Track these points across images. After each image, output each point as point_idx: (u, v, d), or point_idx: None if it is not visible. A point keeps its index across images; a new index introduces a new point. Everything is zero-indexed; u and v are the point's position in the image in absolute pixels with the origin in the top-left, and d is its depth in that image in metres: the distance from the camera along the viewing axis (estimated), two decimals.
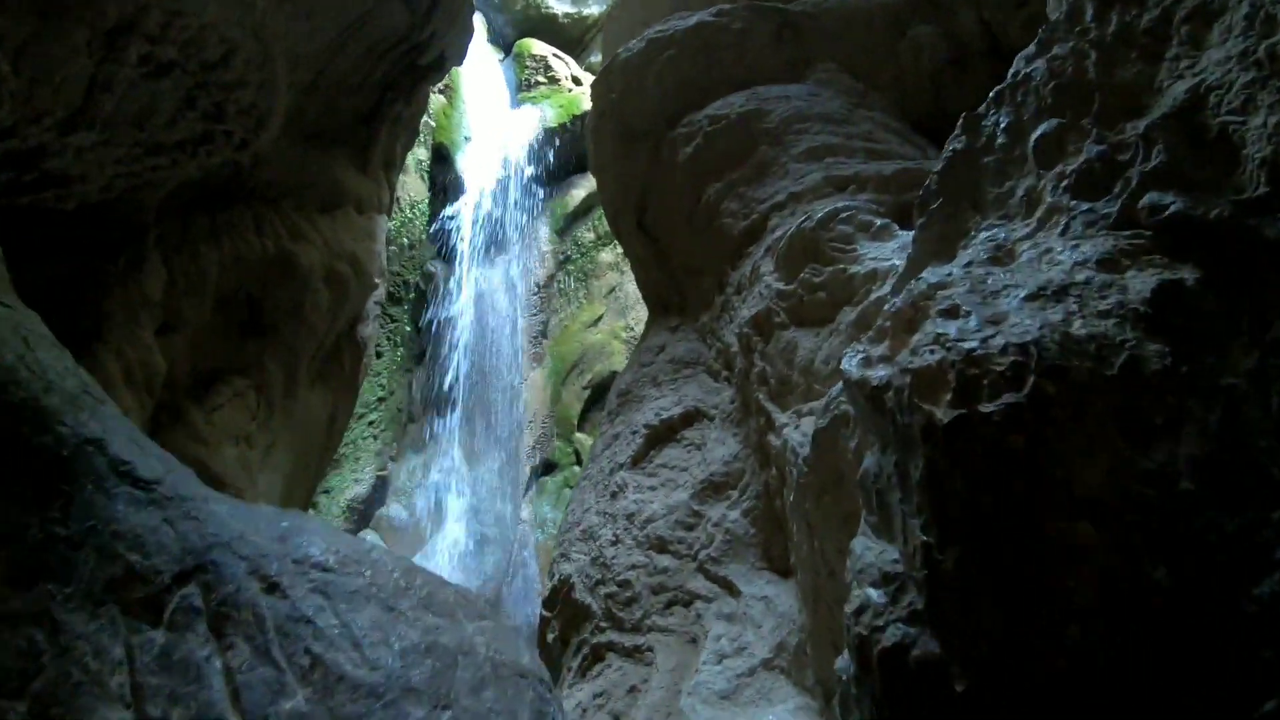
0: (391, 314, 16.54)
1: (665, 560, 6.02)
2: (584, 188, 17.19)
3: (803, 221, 5.54)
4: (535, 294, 17.07)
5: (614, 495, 6.87)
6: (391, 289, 16.40)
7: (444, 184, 16.96)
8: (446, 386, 16.34)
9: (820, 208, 5.62)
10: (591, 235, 17.43)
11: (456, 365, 16.42)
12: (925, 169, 6.29)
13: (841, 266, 5.14)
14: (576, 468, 16.40)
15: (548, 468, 16.60)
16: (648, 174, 8.23)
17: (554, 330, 17.11)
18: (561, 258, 17.45)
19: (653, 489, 6.57)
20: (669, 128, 8.14)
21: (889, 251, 5.00)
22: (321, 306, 8.26)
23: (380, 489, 15.98)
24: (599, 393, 16.76)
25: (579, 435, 16.59)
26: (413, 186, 16.48)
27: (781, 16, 8.57)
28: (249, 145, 6.55)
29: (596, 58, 18.44)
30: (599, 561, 6.50)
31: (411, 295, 16.66)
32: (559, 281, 17.33)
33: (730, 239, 6.91)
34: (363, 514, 15.70)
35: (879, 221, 5.37)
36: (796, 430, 4.99)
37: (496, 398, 16.57)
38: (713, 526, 5.89)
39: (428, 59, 9.15)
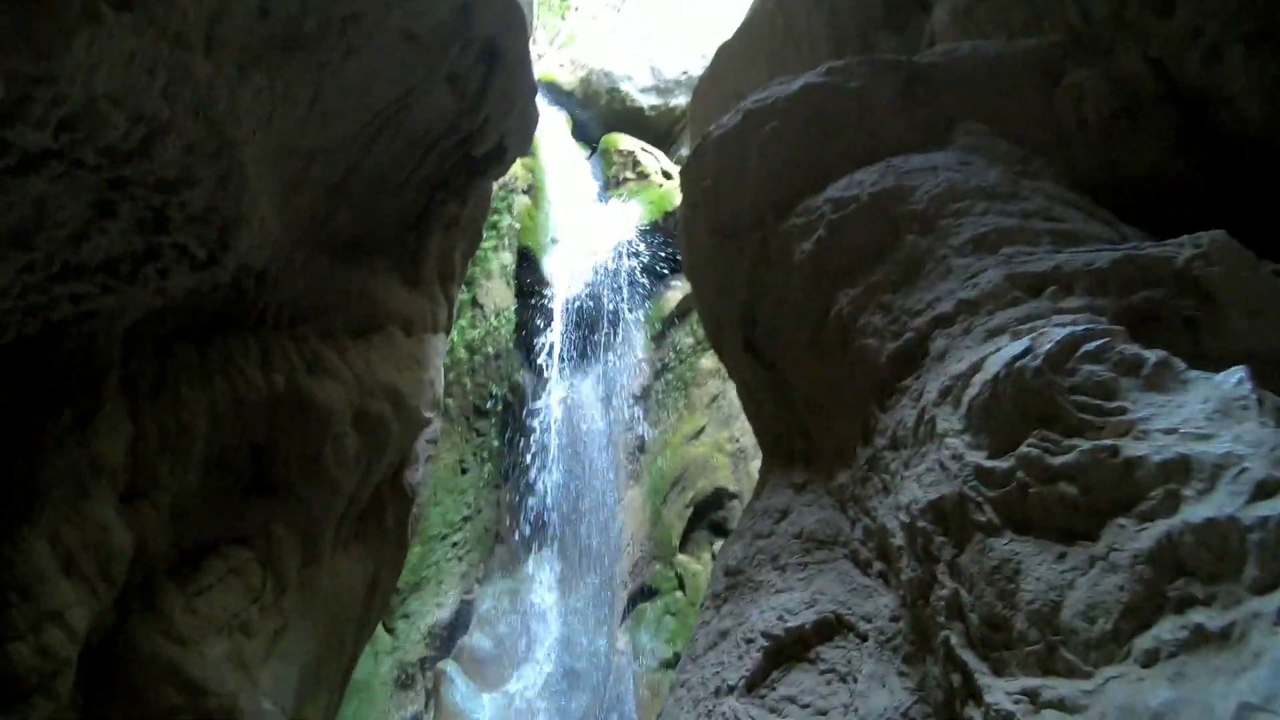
0: (478, 428, 14.71)
1: None
2: (680, 289, 15.15)
3: (1018, 357, 3.26)
4: (631, 406, 15.01)
5: None
6: (477, 402, 14.60)
7: (531, 289, 15.12)
8: (537, 506, 14.41)
9: (1036, 334, 3.38)
10: (690, 340, 15.33)
11: (547, 483, 14.48)
12: (1155, 257, 4.04)
13: (1105, 445, 2.86)
14: (679, 593, 14.24)
15: (647, 594, 14.47)
16: (754, 277, 6.08)
17: (652, 444, 15.00)
18: (658, 365, 15.36)
19: None
20: (778, 218, 6.00)
21: (1192, 414, 2.76)
22: (348, 455, 6.23)
23: (464, 614, 14.02)
24: (702, 511, 14.64)
25: (681, 558, 14.43)
26: (498, 293, 14.67)
27: (907, 69, 6.42)
28: (219, 262, 4.61)
29: (686, 150, 16.60)
30: None
31: (499, 408, 14.77)
32: (656, 391, 15.25)
33: (874, 367, 4.68)
34: (445, 641, 13.74)
35: (1152, 354, 3.09)
36: None
37: (591, 518, 14.55)
38: None
39: (484, 149, 7.20)
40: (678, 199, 15.19)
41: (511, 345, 14.84)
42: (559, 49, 20.20)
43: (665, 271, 15.46)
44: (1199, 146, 5.63)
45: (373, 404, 6.35)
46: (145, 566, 5.14)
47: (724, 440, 14.71)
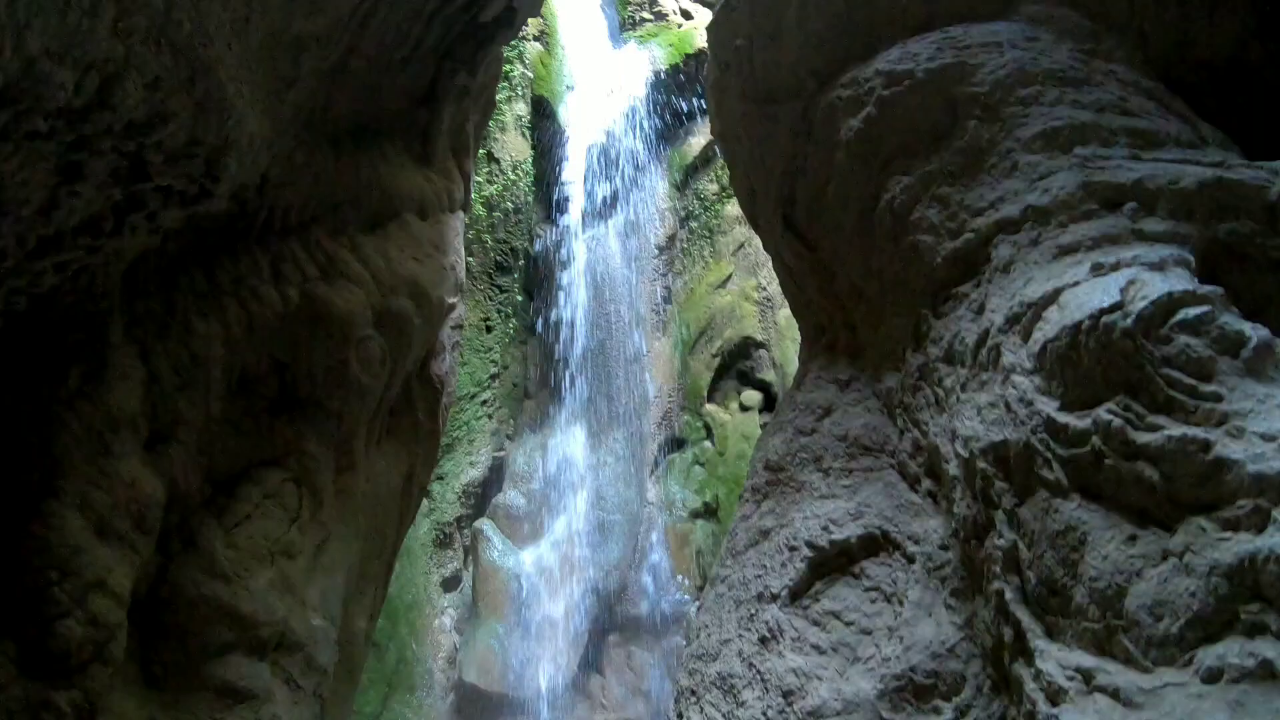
0: (500, 284, 14.43)
1: None
2: (703, 135, 14.44)
3: (1107, 311, 2.89)
4: (656, 256, 14.63)
5: (764, 641, 4.50)
6: (498, 258, 14.27)
7: (547, 139, 14.50)
8: (564, 360, 14.27)
9: (1124, 279, 2.97)
10: (714, 187, 14.77)
11: (573, 337, 14.29)
12: (1247, 185, 3.61)
13: (1196, 435, 2.55)
14: (707, 443, 14.26)
15: (676, 444, 14.52)
16: (794, 151, 5.62)
17: (678, 294, 14.69)
18: (682, 214, 14.87)
19: (820, 652, 4.16)
20: (822, 88, 5.49)
21: None
22: (373, 359, 5.95)
23: (497, 472, 14.12)
24: (730, 360, 14.49)
25: (709, 407, 14.38)
26: (513, 145, 14.08)
27: None
28: (211, 193, 4.22)
29: None
30: None
31: (521, 262, 14.45)
32: (681, 240, 14.83)
33: (929, 267, 4.31)
34: (479, 499, 13.91)
35: (1254, 334, 2.70)
36: (1085, 705, 2.54)
37: (618, 370, 14.41)
38: None
39: (491, 13, 6.57)
40: (698, 40, 14.43)
41: (530, 198, 14.36)
42: None
43: (686, 117, 14.78)
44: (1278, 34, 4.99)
45: (394, 302, 6.03)
46: (180, 507, 4.91)
47: (750, 289, 14.40)
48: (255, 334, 5.44)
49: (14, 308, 3.99)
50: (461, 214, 7.45)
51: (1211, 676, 2.33)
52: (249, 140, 4.25)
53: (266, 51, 4.74)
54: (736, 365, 14.57)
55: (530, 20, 14.37)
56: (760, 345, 14.38)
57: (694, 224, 14.83)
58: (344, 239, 5.95)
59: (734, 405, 14.39)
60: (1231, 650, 2.30)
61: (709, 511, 13.73)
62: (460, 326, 7.52)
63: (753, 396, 14.38)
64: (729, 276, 14.43)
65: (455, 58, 6.65)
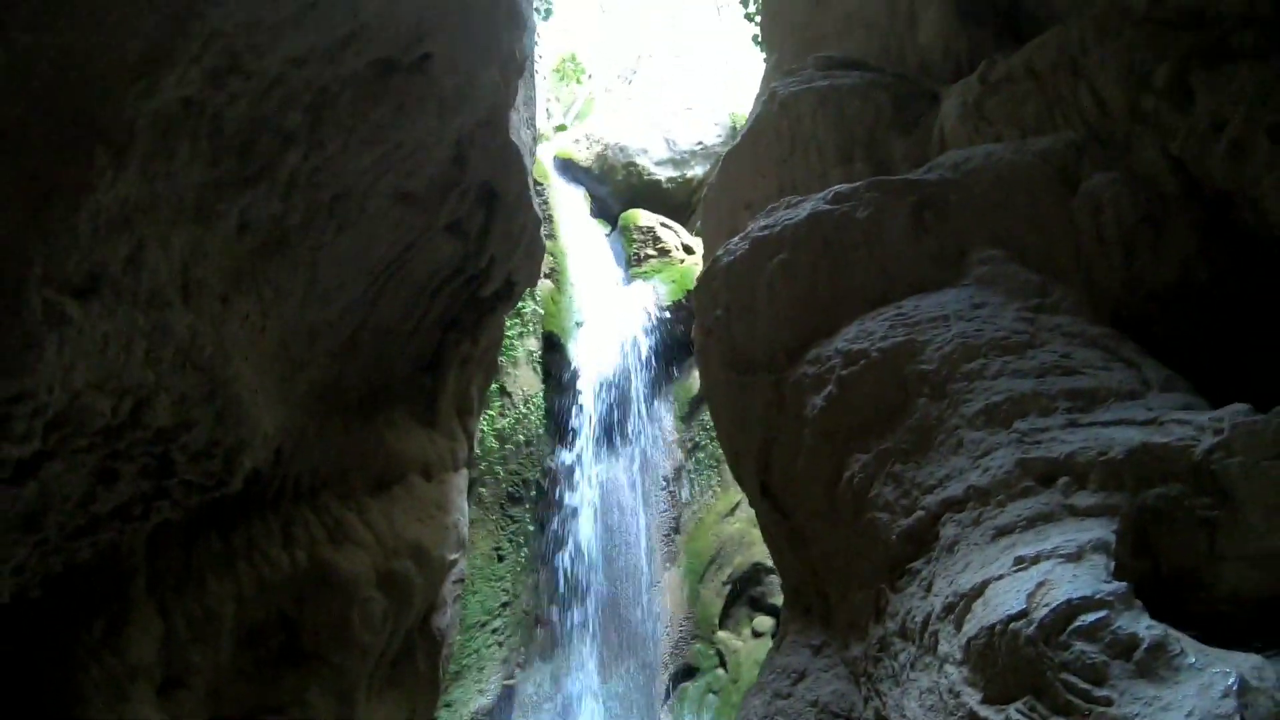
0: (512, 514, 14.77)
1: None
2: None
3: (1014, 618, 3.26)
4: (664, 486, 15.02)
5: None
6: (510, 489, 14.67)
7: (558, 373, 15.19)
8: (574, 589, 14.44)
9: (1034, 581, 3.36)
10: None
11: (584, 566, 14.51)
12: (1172, 448, 4.00)
13: None
14: (720, 671, 14.19)
15: (688, 673, 14.43)
16: (768, 421, 6.07)
17: (687, 524, 14.99)
18: (689, 445, 15.36)
19: None
20: (790, 361, 5.99)
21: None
22: (375, 618, 6.30)
23: (506, 701, 14.02)
24: (741, 587, 14.59)
25: (721, 635, 14.38)
26: (525, 379, 14.75)
27: (917, 192, 6.31)
28: (228, 483, 4.72)
29: None
30: None
31: (532, 493, 14.83)
32: (688, 470, 15.24)
33: (886, 543, 4.65)
34: None
35: (1147, 635, 3.01)
36: None
37: (629, 599, 14.54)
38: None
39: (491, 288, 7.29)
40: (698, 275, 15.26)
41: (542, 431, 14.90)
42: (574, 122, 20.38)
43: (691, 350, 15.50)
44: (1223, 251, 5.47)
45: (397, 563, 6.42)
46: None
47: None
48: (265, 592, 5.82)
49: (51, 571, 4.40)
50: (465, 471, 7.90)
51: None
52: (263, 437, 4.75)
53: (282, 345, 5.31)
54: (748, 591, 14.65)
55: None
56: (771, 570, 14.49)
57: (701, 454, 15.27)
58: (352, 502, 6.39)
59: (746, 631, 14.40)
60: None
61: None
62: (462, 580, 7.84)
63: (765, 622, 14.39)
64: (737, 504, 14.72)
65: (459, 328, 7.28)
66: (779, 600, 14.41)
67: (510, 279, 7.42)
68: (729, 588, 14.55)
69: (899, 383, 5.14)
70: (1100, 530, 3.76)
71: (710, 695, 14.15)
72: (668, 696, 14.33)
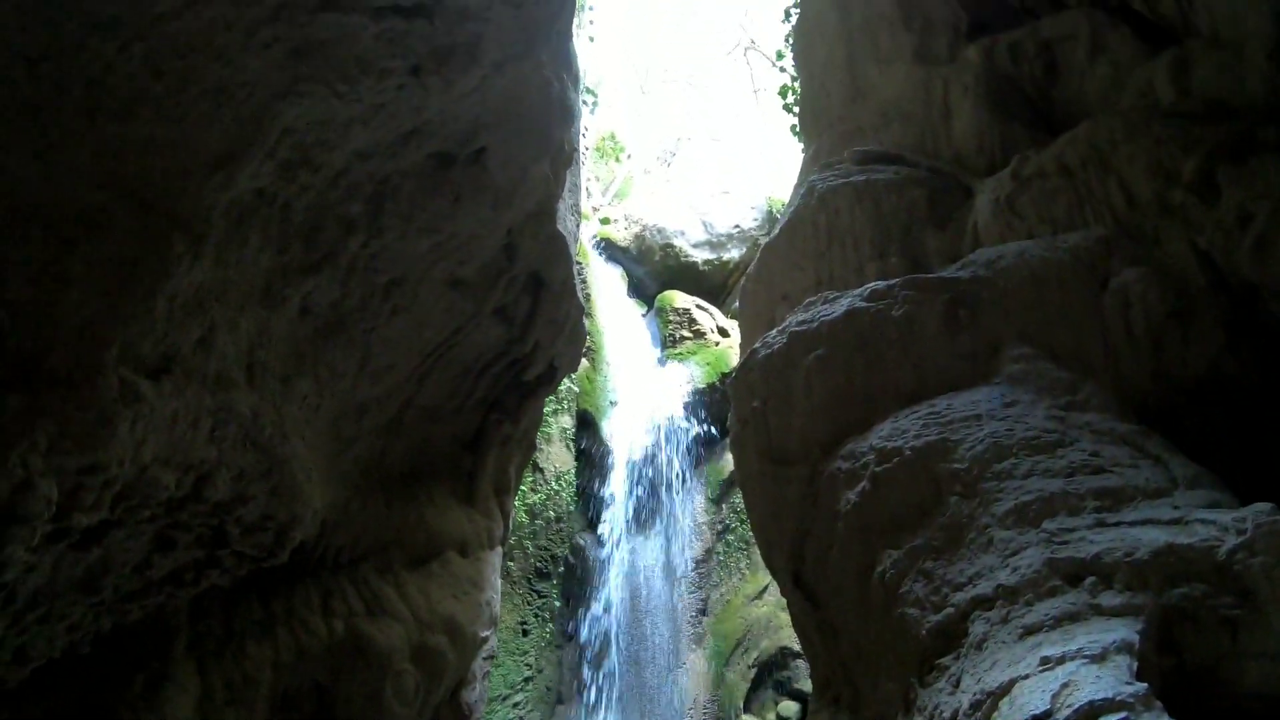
0: (539, 589, 14.83)
1: None
2: None
3: (1037, 717, 3.37)
4: (693, 568, 15.04)
5: None
6: (539, 564, 14.75)
7: (590, 451, 15.36)
8: (599, 667, 14.40)
9: (1059, 682, 3.46)
10: None
11: (609, 645, 14.48)
12: (1196, 549, 4.10)
13: None
14: None
15: None
16: (802, 515, 6.19)
17: (714, 607, 14.96)
18: (719, 528, 15.41)
19: None
20: (825, 455, 6.12)
21: None
22: (407, 691, 6.41)
23: None
24: (766, 670, 14.49)
25: (746, 718, 14.27)
26: (558, 456, 14.93)
27: (951, 290, 6.49)
28: (277, 555, 4.92)
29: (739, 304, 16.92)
30: None
31: (560, 570, 14.90)
32: (718, 553, 15.27)
33: (916, 639, 4.75)
34: None
35: None
36: None
37: (653, 680, 14.47)
38: None
39: (534, 372, 7.52)
40: (733, 359, 15.48)
41: (572, 508, 15.02)
42: (613, 200, 20.83)
43: (723, 433, 15.63)
44: (1251, 344, 5.61)
45: (431, 638, 6.55)
46: None
47: None
48: (302, 659, 5.95)
49: (102, 630, 4.58)
50: (499, 549, 8.05)
51: None
52: (313, 513, 4.94)
53: (334, 423, 5.53)
54: (774, 675, 14.55)
55: None
56: (797, 656, 14.41)
57: (730, 537, 15.30)
58: (390, 576, 6.55)
59: (771, 716, 14.28)
60: None
61: None
62: (492, 657, 7.94)
63: (790, 707, 14.27)
64: (765, 588, 14.70)
65: (501, 409, 7.49)
66: (805, 685, 14.32)
67: (553, 364, 7.65)
68: (755, 671, 14.47)
69: (931, 480, 5.26)
70: (1125, 630, 3.86)
71: None
72: None
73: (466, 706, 7.31)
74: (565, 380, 14.97)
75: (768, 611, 14.63)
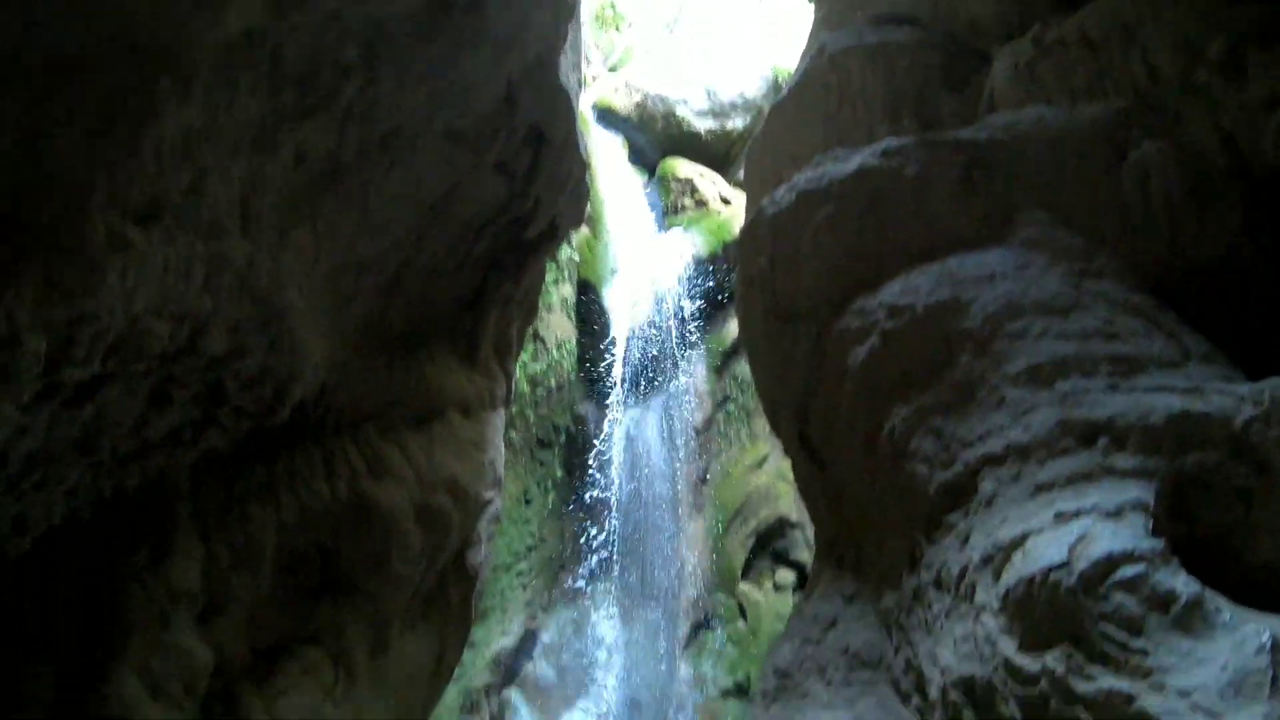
0: (541, 459, 14.93)
1: None
2: None
3: (1054, 568, 3.34)
4: (693, 437, 15.10)
5: None
6: (540, 433, 14.81)
7: (591, 320, 15.26)
8: (599, 536, 14.60)
9: (1076, 534, 3.42)
10: None
11: (610, 513, 14.65)
12: (1212, 417, 4.01)
13: (1122, 689, 2.92)
14: (740, 623, 14.35)
15: (709, 623, 14.61)
16: (809, 373, 6.11)
17: (714, 475, 15.08)
18: (720, 397, 15.42)
19: None
20: (834, 313, 6.01)
21: (1210, 681, 2.79)
22: (412, 551, 6.44)
23: (529, 642, 14.27)
24: (764, 540, 14.69)
25: (743, 587, 14.52)
26: (558, 325, 14.83)
27: (968, 153, 6.27)
28: (277, 412, 4.83)
29: (744, 173, 16.57)
30: None
31: (562, 439, 14.96)
32: (718, 423, 15.31)
33: (923, 496, 4.72)
34: (509, 669, 14.01)
35: (1184, 591, 3.09)
36: None
37: (653, 548, 14.68)
38: None
39: (536, 229, 7.33)
40: (736, 227, 15.26)
41: (573, 377, 15.00)
42: (612, 71, 20.23)
43: (725, 301, 15.49)
44: (1269, 229, 5.44)
45: (434, 499, 6.55)
46: (225, 675, 5.36)
47: (786, 469, 14.68)
48: (305, 522, 5.94)
49: (101, 494, 4.53)
50: (502, 410, 8.01)
51: None
52: (313, 368, 4.84)
53: (332, 278, 5.40)
54: (772, 545, 14.76)
55: None
56: (795, 525, 14.62)
57: (731, 406, 15.33)
58: (392, 436, 6.50)
59: (768, 585, 14.54)
60: None
61: (740, 691, 13.73)
62: (497, 519, 7.98)
63: (787, 576, 14.53)
64: (765, 457, 14.80)
65: (501, 268, 7.34)
66: (802, 555, 14.55)
67: (554, 222, 7.47)
68: (753, 540, 14.66)
69: (943, 338, 5.15)
70: (1139, 491, 3.80)
71: (730, 646, 14.32)
72: (687, 645, 14.51)
73: (472, 568, 7.37)
74: (565, 249, 14.80)
75: (767, 481, 14.75)
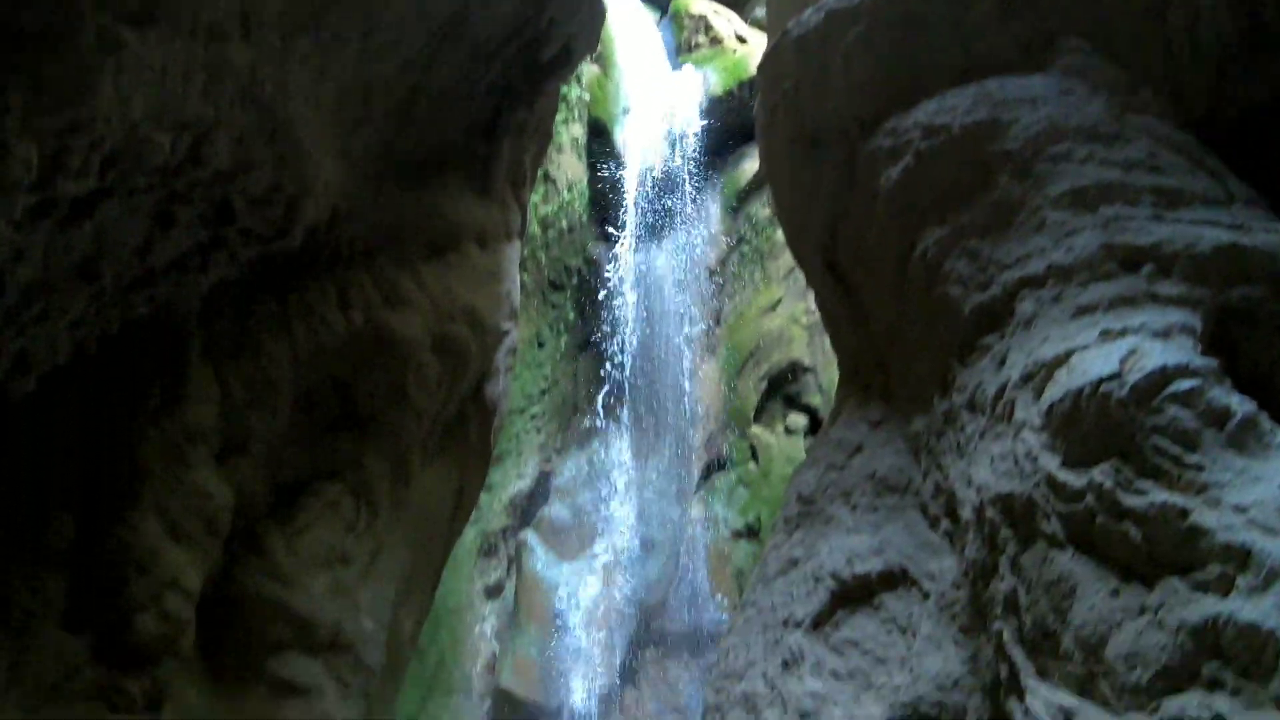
0: (553, 301, 14.82)
1: None
2: (756, 160, 14.70)
3: (1105, 380, 3.19)
4: (707, 278, 14.92)
5: (786, 665, 4.78)
6: (552, 275, 14.66)
7: (603, 160, 14.89)
8: (613, 379, 14.59)
9: (1126, 349, 3.25)
10: (767, 212, 14.99)
11: (623, 355, 14.61)
12: (1259, 251, 3.83)
13: (1176, 503, 2.82)
14: (751, 465, 14.46)
15: (720, 464, 14.74)
16: (837, 197, 5.90)
17: (728, 317, 14.96)
18: (735, 238, 15.16)
19: (837, 678, 4.43)
20: (865, 135, 5.76)
21: (1266, 498, 2.67)
22: (430, 381, 6.35)
23: (543, 485, 14.46)
24: (777, 384, 14.69)
25: (755, 429, 14.58)
26: (569, 166, 14.48)
27: None
28: (288, 233, 4.64)
29: (761, 11, 15.81)
30: None
31: (574, 281, 14.82)
32: (732, 264, 15.10)
33: (957, 318, 4.58)
34: (525, 511, 14.24)
35: (1240, 408, 2.96)
36: None
37: (666, 390, 14.70)
38: None
39: (549, 53, 6.97)
40: (752, 66, 14.71)
41: (585, 218, 14.74)
42: None
43: (740, 141, 15.05)
44: None
45: (451, 328, 6.42)
46: (246, 514, 5.35)
47: (800, 313, 14.61)
48: (321, 356, 5.82)
49: (108, 332, 4.41)
50: (518, 242, 7.82)
51: None
52: (324, 185, 4.64)
53: (339, 98, 5.13)
54: (783, 388, 14.75)
55: None
56: (807, 369, 14.57)
57: (745, 248, 15.10)
58: (407, 267, 6.34)
59: (779, 428, 14.58)
60: (1191, 703, 2.56)
61: (750, 532, 13.94)
62: (514, 351, 7.89)
63: (798, 420, 14.55)
64: (779, 300, 14.65)
65: (514, 94, 7.03)
66: (814, 399, 14.55)
67: (568, 45, 7.11)
68: (765, 383, 14.65)
69: (981, 160, 4.92)
70: (1185, 316, 3.67)
71: (740, 488, 14.46)
72: (699, 486, 14.67)
73: (491, 401, 7.31)
74: (575, 88, 14.32)
75: (780, 325, 14.65)
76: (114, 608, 4.43)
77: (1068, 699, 2.93)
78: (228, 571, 5.34)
